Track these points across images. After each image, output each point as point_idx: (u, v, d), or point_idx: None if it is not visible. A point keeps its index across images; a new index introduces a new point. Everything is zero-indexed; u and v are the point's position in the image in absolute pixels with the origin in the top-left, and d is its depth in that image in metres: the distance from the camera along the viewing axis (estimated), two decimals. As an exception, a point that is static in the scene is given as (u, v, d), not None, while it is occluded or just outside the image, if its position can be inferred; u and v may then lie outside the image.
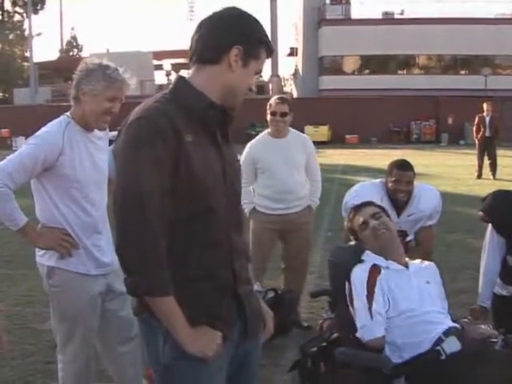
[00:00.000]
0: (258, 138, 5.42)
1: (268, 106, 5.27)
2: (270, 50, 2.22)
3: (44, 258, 3.28)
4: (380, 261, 3.32)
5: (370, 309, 3.13)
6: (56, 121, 3.28)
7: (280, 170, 5.17)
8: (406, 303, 3.16)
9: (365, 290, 3.19)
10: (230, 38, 2.12)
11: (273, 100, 5.31)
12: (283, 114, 5.19)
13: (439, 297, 3.32)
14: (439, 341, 3.02)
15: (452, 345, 2.99)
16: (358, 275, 3.26)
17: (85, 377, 3.39)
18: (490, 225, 3.94)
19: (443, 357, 2.96)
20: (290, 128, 5.34)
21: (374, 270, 3.25)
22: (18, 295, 6.40)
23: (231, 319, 2.17)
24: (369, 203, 3.62)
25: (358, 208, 3.61)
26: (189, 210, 2.06)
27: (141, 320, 2.19)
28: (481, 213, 3.96)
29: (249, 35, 2.14)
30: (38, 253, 3.32)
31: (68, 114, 3.29)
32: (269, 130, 5.34)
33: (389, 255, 3.34)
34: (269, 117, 5.23)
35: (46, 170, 3.15)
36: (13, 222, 3.13)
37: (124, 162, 2.04)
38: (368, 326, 3.13)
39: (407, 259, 3.41)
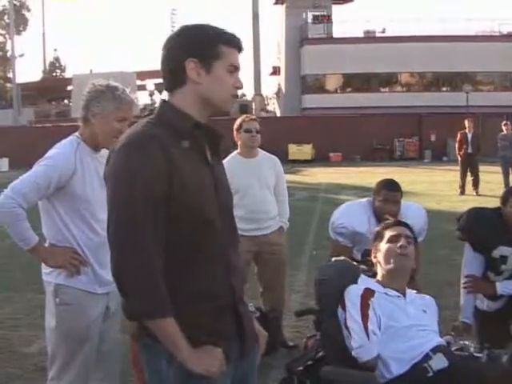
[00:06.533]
0: (228, 159, 5.24)
1: (238, 126, 5.24)
2: (232, 40, 2.17)
3: (51, 276, 3.27)
4: (376, 287, 3.29)
5: (366, 329, 3.12)
6: (66, 141, 3.31)
7: (253, 190, 5.17)
8: (395, 324, 3.16)
9: (359, 313, 3.17)
10: (180, 55, 2.12)
11: (243, 119, 5.30)
12: (258, 131, 5.23)
13: (433, 328, 3.27)
14: (427, 358, 3.03)
15: (439, 362, 3.00)
16: (352, 299, 3.23)
17: None
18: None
19: (430, 374, 2.97)
20: (258, 148, 5.35)
21: (367, 293, 3.23)
22: (3, 318, 6.33)
23: (231, 338, 2.17)
24: (407, 226, 3.50)
25: (396, 224, 3.52)
26: (186, 228, 2.07)
27: (142, 345, 2.17)
28: (457, 232, 4.02)
29: (196, 43, 2.12)
30: (45, 270, 3.31)
31: (77, 134, 3.32)
32: (238, 150, 5.34)
33: (392, 281, 3.30)
34: (243, 135, 5.21)
35: (57, 189, 3.17)
36: (24, 241, 3.16)
37: (116, 190, 2.05)
38: (365, 346, 3.11)
39: (406, 289, 3.36)
